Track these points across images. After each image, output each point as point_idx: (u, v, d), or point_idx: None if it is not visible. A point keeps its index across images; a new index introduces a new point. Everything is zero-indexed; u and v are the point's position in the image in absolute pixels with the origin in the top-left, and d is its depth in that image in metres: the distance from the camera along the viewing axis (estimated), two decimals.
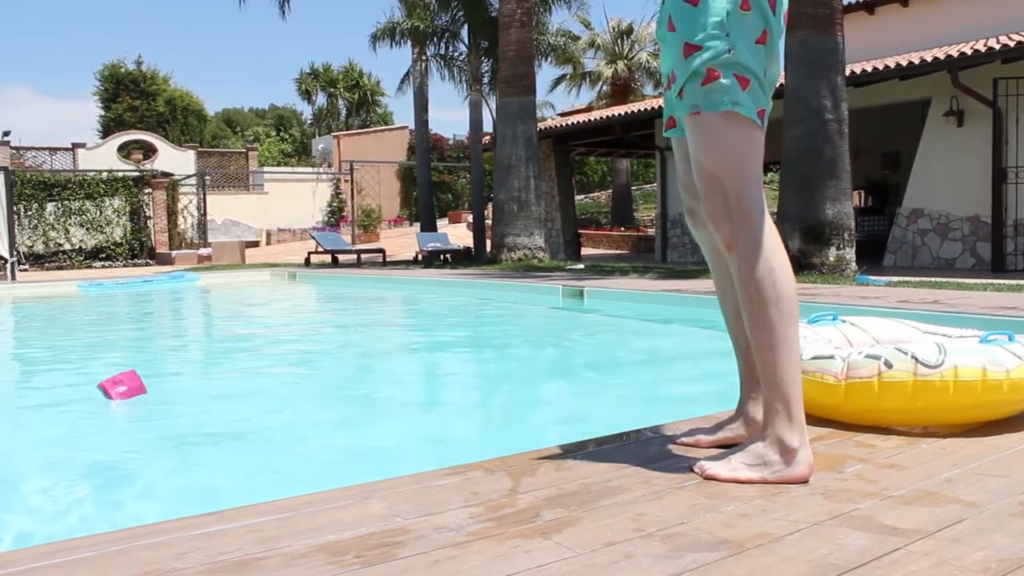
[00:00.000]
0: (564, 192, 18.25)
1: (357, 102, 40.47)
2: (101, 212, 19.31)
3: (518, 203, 13.31)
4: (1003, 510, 1.60)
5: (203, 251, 18.90)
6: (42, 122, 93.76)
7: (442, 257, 14.92)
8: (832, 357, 2.28)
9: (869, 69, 11.43)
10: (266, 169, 29.00)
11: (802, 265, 8.89)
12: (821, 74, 9.01)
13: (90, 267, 18.26)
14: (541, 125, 17.00)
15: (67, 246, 18.94)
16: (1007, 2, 12.42)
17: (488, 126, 17.93)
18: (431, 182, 20.29)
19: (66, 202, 18.97)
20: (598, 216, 28.54)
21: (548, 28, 18.61)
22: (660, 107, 14.69)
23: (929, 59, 10.79)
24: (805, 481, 1.74)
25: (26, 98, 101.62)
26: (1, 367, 5.74)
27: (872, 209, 16.39)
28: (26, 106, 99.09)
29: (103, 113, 32.79)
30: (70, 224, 19.02)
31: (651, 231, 21.57)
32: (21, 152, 24.92)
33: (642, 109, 15.62)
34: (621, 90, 27.56)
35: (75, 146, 24.93)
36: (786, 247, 7.71)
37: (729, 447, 1.95)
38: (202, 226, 21.91)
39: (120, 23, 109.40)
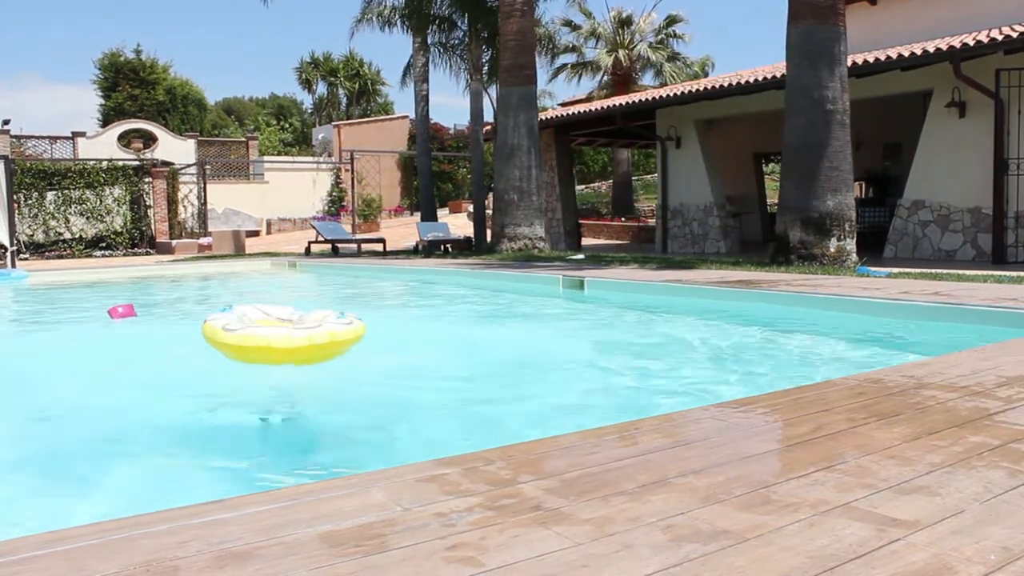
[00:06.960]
0: (565, 182, 18.21)
1: (357, 91, 40.36)
2: (101, 201, 19.29)
3: (519, 193, 13.30)
4: (1002, 502, 1.60)
5: (203, 240, 18.89)
6: (53, 108, 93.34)
7: (442, 247, 14.91)
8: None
9: (871, 60, 11.38)
10: (266, 158, 28.93)
11: (802, 256, 8.88)
12: (823, 64, 8.99)
13: (90, 256, 18.26)
14: (542, 115, 16.94)
15: (67, 235, 18.93)
16: None
17: (489, 115, 17.89)
18: (432, 172, 20.26)
19: (66, 191, 18.95)
20: (599, 206, 28.48)
21: (542, 19, 18.54)
22: (660, 97, 14.66)
23: (931, 50, 10.74)
24: None
25: (34, 84, 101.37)
26: None
27: (873, 200, 16.37)
28: (34, 92, 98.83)
29: (103, 102, 32.69)
30: (70, 213, 19.00)
31: (652, 221, 21.55)
32: (21, 141, 24.84)
33: (643, 99, 15.53)
34: (622, 80, 27.46)
35: (75, 135, 24.84)
36: (787, 237, 7.75)
37: None
38: (202, 215, 21.90)
39: (119, 10, 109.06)
